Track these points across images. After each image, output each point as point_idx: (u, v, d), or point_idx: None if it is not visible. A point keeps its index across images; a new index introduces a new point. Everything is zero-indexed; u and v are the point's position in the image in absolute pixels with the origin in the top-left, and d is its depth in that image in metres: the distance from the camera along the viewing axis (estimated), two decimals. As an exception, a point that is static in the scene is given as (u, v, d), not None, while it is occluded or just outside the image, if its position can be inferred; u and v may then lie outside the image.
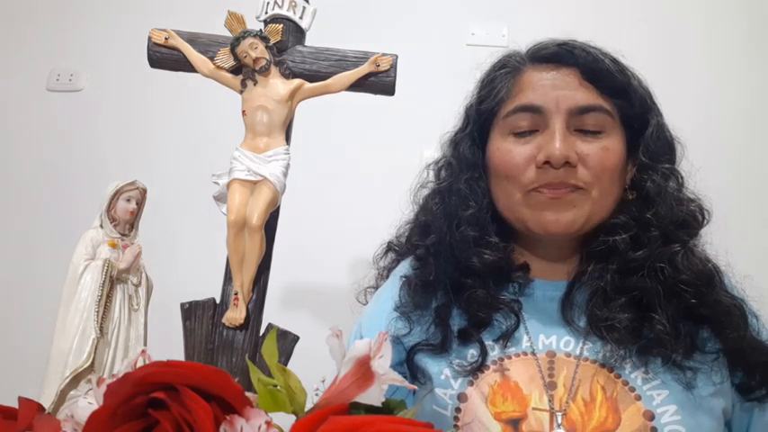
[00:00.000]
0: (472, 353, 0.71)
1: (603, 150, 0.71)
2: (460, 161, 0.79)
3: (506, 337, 0.71)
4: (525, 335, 0.72)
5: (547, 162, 0.70)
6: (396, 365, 0.76)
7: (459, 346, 0.73)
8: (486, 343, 0.72)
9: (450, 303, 0.75)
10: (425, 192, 0.85)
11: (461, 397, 0.69)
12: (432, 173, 0.85)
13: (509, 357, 0.71)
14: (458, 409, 0.69)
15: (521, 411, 0.66)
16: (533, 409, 0.66)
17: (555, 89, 0.72)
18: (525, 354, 0.71)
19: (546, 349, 0.71)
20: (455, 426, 0.68)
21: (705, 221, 0.74)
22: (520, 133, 0.74)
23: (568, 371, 0.68)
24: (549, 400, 0.66)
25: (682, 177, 0.75)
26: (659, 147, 0.74)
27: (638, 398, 0.65)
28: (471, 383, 0.69)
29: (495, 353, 0.71)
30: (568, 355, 0.70)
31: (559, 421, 0.65)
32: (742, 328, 0.68)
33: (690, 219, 0.73)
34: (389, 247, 0.89)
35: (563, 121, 0.71)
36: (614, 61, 0.75)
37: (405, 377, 0.76)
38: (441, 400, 0.70)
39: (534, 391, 0.67)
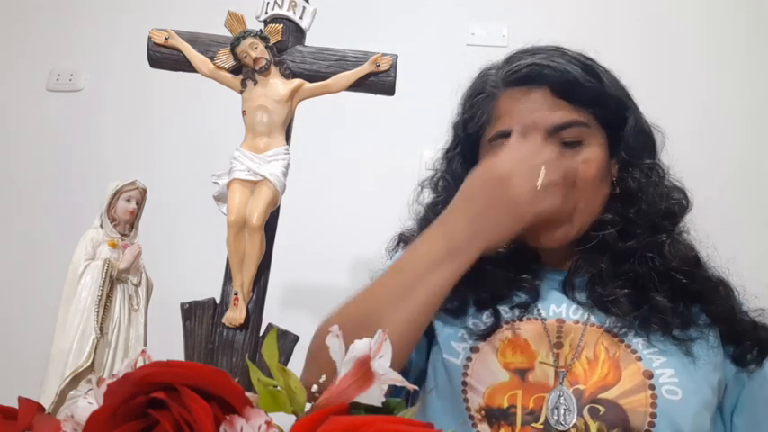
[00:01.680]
0: (486, 319, 0.76)
1: (584, 164, 0.75)
2: (454, 177, 0.83)
3: (520, 307, 0.76)
4: (536, 306, 0.77)
5: None
6: None
7: (476, 313, 0.77)
8: (501, 308, 0.77)
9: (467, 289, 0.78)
10: (424, 199, 0.88)
11: (474, 349, 0.74)
12: (429, 187, 0.89)
13: (520, 320, 0.76)
14: (468, 359, 0.74)
15: (528, 363, 0.71)
16: (540, 362, 0.71)
17: (531, 113, 0.75)
18: (536, 319, 0.76)
19: (555, 317, 0.76)
20: (464, 374, 0.72)
21: (688, 209, 0.79)
22: None
23: (575, 334, 0.73)
24: (555, 358, 0.71)
25: (662, 170, 0.79)
26: (639, 142, 0.78)
27: (639, 359, 0.69)
28: (484, 339, 0.75)
29: (507, 316, 0.76)
30: (576, 322, 0.75)
31: (563, 376, 0.69)
32: (730, 300, 0.74)
33: (673, 208, 0.77)
34: (401, 239, 0.91)
35: (542, 139, 0.74)
36: (584, 68, 0.77)
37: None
38: (453, 350, 0.75)
39: (542, 348, 0.72)
